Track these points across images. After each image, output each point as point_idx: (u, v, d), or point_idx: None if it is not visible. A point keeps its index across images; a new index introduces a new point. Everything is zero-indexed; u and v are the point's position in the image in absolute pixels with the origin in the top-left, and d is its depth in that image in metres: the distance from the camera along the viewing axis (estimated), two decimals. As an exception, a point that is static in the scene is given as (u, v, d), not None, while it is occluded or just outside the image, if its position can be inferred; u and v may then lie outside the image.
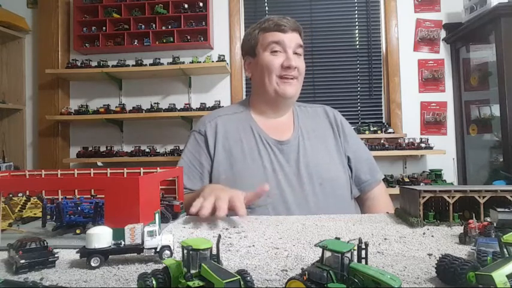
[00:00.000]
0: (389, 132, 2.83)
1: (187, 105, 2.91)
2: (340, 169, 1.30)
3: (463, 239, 0.68)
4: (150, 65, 2.93)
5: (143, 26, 2.99)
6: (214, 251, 0.49)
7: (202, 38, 2.94)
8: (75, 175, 1.15)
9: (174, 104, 2.91)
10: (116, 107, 3.00)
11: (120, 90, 3.18)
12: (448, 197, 0.80)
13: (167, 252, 0.60)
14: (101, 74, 2.94)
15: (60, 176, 1.11)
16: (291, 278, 0.44)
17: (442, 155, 2.73)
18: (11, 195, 0.96)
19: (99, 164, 2.85)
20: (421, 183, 2.59)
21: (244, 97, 3.04)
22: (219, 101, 2.87)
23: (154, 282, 0.45)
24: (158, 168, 1.03)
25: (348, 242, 0.45)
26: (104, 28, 3.01)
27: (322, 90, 3.10)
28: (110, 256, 0.60)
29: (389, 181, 2.72)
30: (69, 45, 3.20)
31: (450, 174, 2.80)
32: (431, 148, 2.71)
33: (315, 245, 0.47)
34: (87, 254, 0.58)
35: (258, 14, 3.14)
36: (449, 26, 2.94)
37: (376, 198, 1.35)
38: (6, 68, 3.18)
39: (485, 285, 0.43)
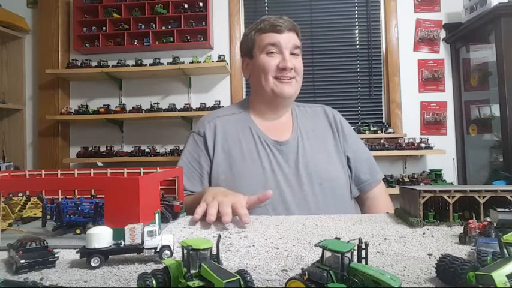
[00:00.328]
0: (390, 132, 2.83)
1: (187, 105, 2.91)
2: (339, 169, 1.30)
3: (463, 239, 0.68)
4: (150, 65, 2.93)
5: (143, 26, 2.99)
6: (214, 251, 0.49)
7: (202, 38, 2.94)
8: (75, 175, 1.15)
9: (174, 104, 2.91)
10: (116, 107, 3.00)
11: (120, 90, 3.18)
12: (448, 197, 0.80)
13: (167, 252, 0.60)
14: (101, 74, 2.94)
15: (60, 176, 1.11)
16: (291, 278, 0.44)
17: (442, 155, 2.73)
18: (11, 195, 0.96)
19: (99, 164, 2.85)
20: (421, 183, 2.59)
21: (244, 97, 3.04)
22: (219, 101, 2.87)
23: (154, 282, 0.45)
24: (158, 168, 1.03)
25: (348, 242, 0.45)
26: (104, 28, 3.01)
27: (322, 90, 3.10)
28: (110, 256, 0.60)
29: (389, 181, 2.72)
30: (69, 45, 3.20)
31: (450, 174, 2.80)
32: (431, 148, 2.71)
33: (315, 245, 0.47)
34: (87, 254, 0.58)
35: (258, 14, 3.14)
36: (449, 26, 2.94)
37: (376, 198, 1.35)
38: (6, 68, 3.18)
39: (485, 285, 0.43)
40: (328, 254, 0.44)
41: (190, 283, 0.43)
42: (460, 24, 2.78)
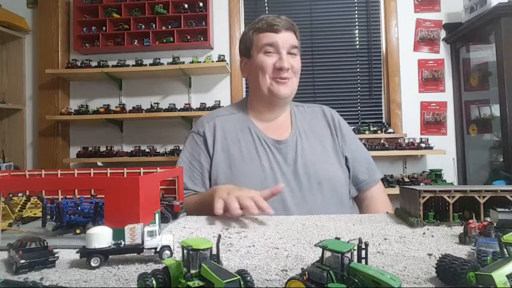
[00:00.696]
0: (389, 132, 2.83)
1: (187, 105, 2.91)
2: (338, 169, 1.30)
3: (463, 239, 0.68)
4: (150, 65, 2.93)
5: (143, 26, 2.99)
6: (214, 251, 0.49)
7: (202, 38, 2.94)
8: (75, 175, 1.15)
9: (174, 104, 2.91)
10: (116, 107, 3.00)
11: (120, 90, 3.18)
12: (448, 197, 0.80)
13: (167, 252, 0.60)
14: (101, 74, 2.94)
15: (60, 176, 1.11)
16: (291, 278, 0.44)
17: (442, 155, 2.73)
18: (11, 195, 0.96)
19: (99, 164, 2.85)
20: (421, 183, 2.59)
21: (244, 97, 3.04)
22: (219, 101, 2.87)
23: (154, 282, 0.45)
24: (158, 168, 1.03)
25: (348, 242, 0.45)
26: (104, 28, 3.01)
27: (322, 90, 3.10)
28: (110, 256, 0.60)
29: (389, 181, 2.72)
30: (69, 45, 3.20)
31: (450, 174, 2.80)
32: (431, 148, 2.71)
33: (315, 245, 0.47)
34: (87, 254, 0.58)
35: (258, 13, 3.14)
36: (449, 26, 2.93)
37: (374, 197, 1.36)
38: (6, 68, 3.18)
39: (485, 285, 0.43)
40: (328, 254, 0.44)
41: (190, 283, 0.43)
42: (460, 24, 2.78)
